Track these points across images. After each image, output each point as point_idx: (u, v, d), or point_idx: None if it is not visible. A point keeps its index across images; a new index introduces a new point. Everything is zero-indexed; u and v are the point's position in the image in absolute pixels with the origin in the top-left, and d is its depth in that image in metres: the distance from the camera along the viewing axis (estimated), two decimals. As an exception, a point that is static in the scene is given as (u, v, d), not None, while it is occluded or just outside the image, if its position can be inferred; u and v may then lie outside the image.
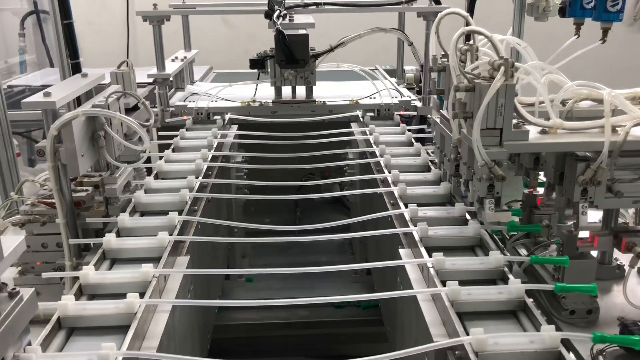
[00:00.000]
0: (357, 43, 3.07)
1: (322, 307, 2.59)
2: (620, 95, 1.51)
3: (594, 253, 1.64)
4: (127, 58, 4.12)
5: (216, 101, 2.81)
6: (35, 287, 1.76)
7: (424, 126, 2.66)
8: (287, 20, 2.42)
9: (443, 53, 1.83)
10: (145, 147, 1.64)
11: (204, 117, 2.68)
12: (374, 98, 2.80)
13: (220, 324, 2.41)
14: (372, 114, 2.66)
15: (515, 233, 1.80)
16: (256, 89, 2.83)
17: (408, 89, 3.19)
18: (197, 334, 1.71)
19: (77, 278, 1.64)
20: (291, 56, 2.32)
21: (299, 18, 2.57)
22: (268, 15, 2.42)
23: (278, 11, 2.35)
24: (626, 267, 1.76)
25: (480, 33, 1.58)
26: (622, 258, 1.78)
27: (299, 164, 2.22)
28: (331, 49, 2.55)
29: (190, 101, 2.82)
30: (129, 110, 2.26)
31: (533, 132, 1.50)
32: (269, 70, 2.63)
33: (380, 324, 2.47)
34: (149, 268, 1.37)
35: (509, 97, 1.43)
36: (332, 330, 2.56)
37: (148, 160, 2.04)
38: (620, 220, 1.73)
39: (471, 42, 1.71)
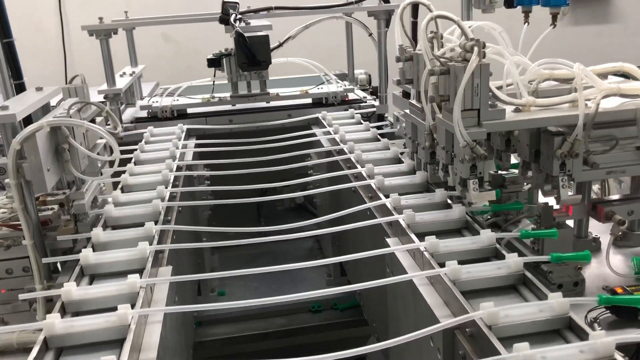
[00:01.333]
0: (303, 52, 3.10)
1: (299, 313, 2.55)
2: (587, 70, 1.56)
3: (570, 223, 1.68)
4: (66, 80, 3.98)
5: (177, 100, 2.92)
6: (1, 316, 1.67)
7: (385, 122, 2.67)
8: (243, 24, 2.39)
9: (407, 44, 1.85)
10: (115, 157, 1.56)
11: (169, 114, 2.80)
12: (321, 88, 2.99)
13: (197, 341, 2.33)
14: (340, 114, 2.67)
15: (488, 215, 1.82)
16: (213, 86, 2.93)
17: (362, 90, 3.23)
18: (184, 348, 1.64)
19: (50, 301, 1.55)
20: (253, 58, 2.29)
21: (255, 22, 2.55)
22: (223, 20, 2.39)
23: (234, 14, 2.31)
24: (601, 240, 1.81)
25: (448, 18, 1.60)
26: (596, 231, 1.84)
27: (261, 170, 2.17)
28: (280, 45, 2.61)
29: (154, 102, 2.91)
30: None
31: (507, 112, 1.53)
32: (225, 68, 2.74)
33: (361, 325, 2.44)
34: (135, 279, 1.30)
35: (484, 77, 1.45)
36: (311, 337, 2.52)
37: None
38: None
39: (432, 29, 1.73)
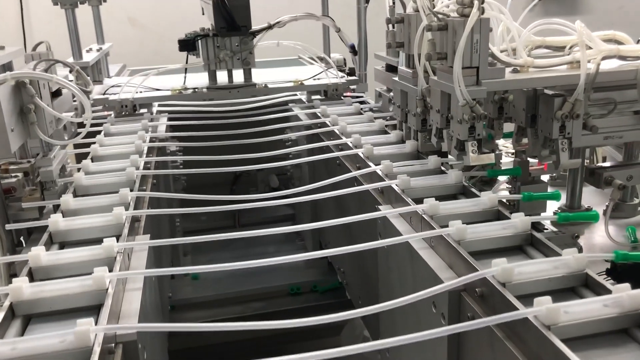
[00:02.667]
0: (276, 34, 2.98)
1: (278, 297, 2.45)
2: (587, 30, 1.50)
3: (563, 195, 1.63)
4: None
5: (142, 92, 2.44)
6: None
7: (364, 98, 2.59)
8: (221, -11, 2.25)
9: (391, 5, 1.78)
10: (86, 117, 1.44)
11: (130, 110, 2.32)
12: (319, 79, 2.59)
13: (171, 325, 2.21)
14: (318, 96, 2.53)
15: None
16: (185, 74, 2.56)
17: (340, 71, 3.14)
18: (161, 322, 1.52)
19: (14, 276, 1.42)
20: (232, 22, 2.16)
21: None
22: (199, -15, 2.25)
23: (211, -22, 2.18)
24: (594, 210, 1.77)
25: (443, -27, 1.52)
26: (587, 203, 1.80)
27: (235, 142, 2.02)
28: (269, 27, 2.38)
29: (110, 93, 2.42)
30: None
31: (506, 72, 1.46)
32: (200, 52, 2.37)
33: (342, 308, 2.35)
34: (112, 242, 1.18)
35: (484, 32, 1.38)
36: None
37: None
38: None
39: None
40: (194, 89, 2.47)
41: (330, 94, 2.50)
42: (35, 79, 1.39)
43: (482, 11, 1.38)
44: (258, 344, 2.42)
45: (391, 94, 2.03)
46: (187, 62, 2.51)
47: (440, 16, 1.44)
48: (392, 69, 2.22)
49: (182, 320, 2.30)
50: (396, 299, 1.05)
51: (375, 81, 2.45)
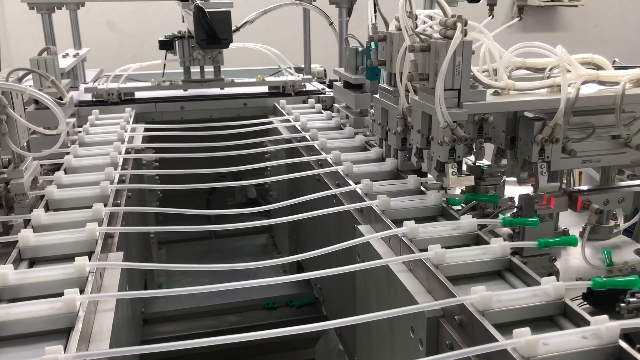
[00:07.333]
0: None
1: (253, 310, 2.42)
2: (568, 54, 1.51)
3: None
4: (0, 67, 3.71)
5: (125, 83, 2.72)
6: None
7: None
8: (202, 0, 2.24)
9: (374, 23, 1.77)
10: (61, 130, 1.40)
11: (116, 98, 2.62)
12: (278, 76, 2.88)
13: (144, 340, 2.16)
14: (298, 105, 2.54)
15: (461, 207, 1.76)
16: (164, 70, 2.80)
17: (320, 82, 3.14)
18: (135, 342, 1.49)
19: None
20: (213, 35, 2.14)
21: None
22: (180, -6, 2.25)
23: (192, -12, 2.17)
24: (571, 233, 1.77)
25: (426, -6, 1.52)
26: (563, 224, 1.81)
27: (213, 155, 2.02)
28: (237, 29, 2.48)
29: (99, 84, 2.72)
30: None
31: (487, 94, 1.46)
32: (177, 51, 2.63)
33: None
34: (84, 261, 1.15)
35: (466, 54, 1.38)
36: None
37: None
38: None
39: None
40: (171, 81, 2.75)
41: (288, 89, 2.79)
42: (7, 90, 1.35)
43: (465, 33, 1.39)
44: (233, 356, 2.39)
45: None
46: (165, 58, 2.78)
47: (422, 37, 1.43)
48: (350, 85, 2.21)
49: (155, 334, 2.26)
50: (372, 313, 1.04)
51: (334, 96, 2.44)
